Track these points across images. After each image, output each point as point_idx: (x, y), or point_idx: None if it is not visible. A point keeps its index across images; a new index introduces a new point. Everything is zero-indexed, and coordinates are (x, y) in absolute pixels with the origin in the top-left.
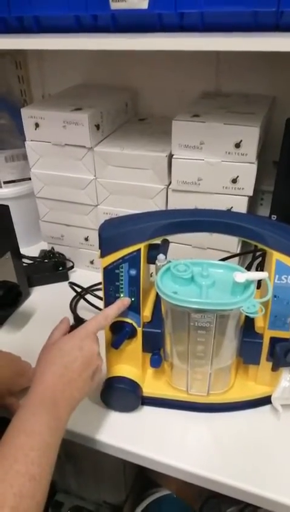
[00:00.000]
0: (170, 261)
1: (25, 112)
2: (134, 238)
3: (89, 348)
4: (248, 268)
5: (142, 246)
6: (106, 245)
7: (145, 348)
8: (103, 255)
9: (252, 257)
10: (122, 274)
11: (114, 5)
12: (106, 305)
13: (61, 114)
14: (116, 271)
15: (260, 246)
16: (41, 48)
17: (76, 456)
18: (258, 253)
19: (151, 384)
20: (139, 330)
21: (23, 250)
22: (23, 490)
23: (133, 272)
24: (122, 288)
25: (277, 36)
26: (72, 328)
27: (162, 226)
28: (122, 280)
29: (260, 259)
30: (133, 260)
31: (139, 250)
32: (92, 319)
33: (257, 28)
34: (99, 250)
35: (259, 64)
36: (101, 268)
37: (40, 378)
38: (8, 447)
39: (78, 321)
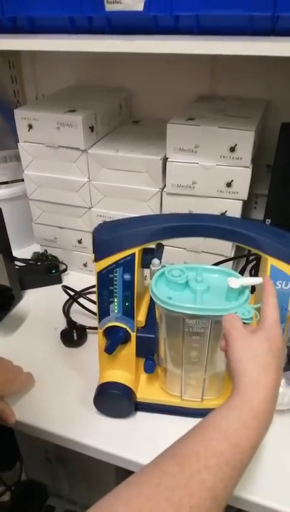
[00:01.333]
0: (164, 266)
1: (18, 113)
2: (129, 243)
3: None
4: (242, 272)
5: (136, 250)
6: (100, 249)
7: (139, 353)
8: (97, 259)
9: (245, 261)
10: (116, 278)
11: (109, 7)
12: (100, 309)
13: (55, 116)
14: (110, 275)
15: (255, 251)
16: (35, 49)
17: (68, 460)
18: (251, 258)
19: (145, 390)
20: (133, 335)
21: (15, 253)
22: (201, 508)
23: (127, 277)
24: (116, 292)
25: (273, 40)
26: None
27: (157, 230)
28: (116, 285)
29: (253, 263)
30: (127, 264)
31: (133, 254)
32: (273, 307)
33: (253, 32)
34: (94, 254)
35: (254, 67)
36: (95, 273)
37: (259, 381)
38: (204, 447)
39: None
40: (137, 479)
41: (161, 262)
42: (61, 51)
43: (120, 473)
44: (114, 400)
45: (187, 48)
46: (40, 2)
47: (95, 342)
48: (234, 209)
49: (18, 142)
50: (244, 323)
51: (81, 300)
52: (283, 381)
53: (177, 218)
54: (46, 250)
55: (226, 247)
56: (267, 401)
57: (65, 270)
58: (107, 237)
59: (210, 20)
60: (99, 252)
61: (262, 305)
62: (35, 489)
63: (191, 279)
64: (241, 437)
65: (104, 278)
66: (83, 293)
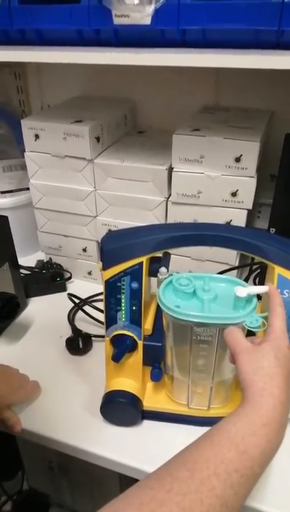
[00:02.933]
0: (171, 274)
1: (25, 123)
2: (136, 251)
3: None
4: (246, 280)
5: (144, 259)
6: (108, 258)
7: (146, 361)
8: (104, 268)
9: (249, 270)
10: (124, 287)
11: (117, 20)
12: (107, 317)
13: (61, 126)
14: (118, 284)
15: (261, 260)
16: (42, 61)
17: (71, 469)
18: (255, 266)
19: (152, 398)
20: (140, 343)
21: (20, 260)
22: None
23: (135, 285)
24: (123, 301)
25: (278, 54)
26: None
27: (164, 239)
28: (123, 293)
29: (257, 271)
30: (135, 273)
31: (141, 263)
32: (280, 317)
33: (258, 45)
34: (101, 263)
35: (258, 79)
36: (102, 281)
37: (265, 390)
38: (214, 454)
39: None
40: (150, 484)
41: (168, 270)
42: (67, 62)
43: (124, 483)
44: (121, 409)
45: (193, 61)
46: (49, 15)
47: (100, 349)
48: (239, 219)
49: (24, 151)
50: (251, 332)
51: (86, 308)
52: None
53: (185, 227)
54: (50, 259)
55: (231, 256)
56: (276, 409)
57: (70, 278)
58: (115, 246)
59: (216, 33)
60: (107, 261)
61: (269, 314)
62: (37, 498)
63: (199, 288)
64: (249, 445)
65: (112, 286)
66: (88, 301)
